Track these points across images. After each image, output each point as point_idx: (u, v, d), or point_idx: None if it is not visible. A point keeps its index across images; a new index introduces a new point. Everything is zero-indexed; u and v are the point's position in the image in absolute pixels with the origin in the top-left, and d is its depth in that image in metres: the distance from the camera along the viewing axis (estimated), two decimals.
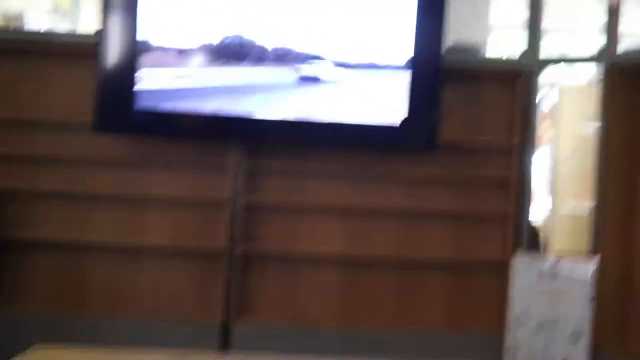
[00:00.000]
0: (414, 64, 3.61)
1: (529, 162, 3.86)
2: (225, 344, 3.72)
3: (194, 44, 3.59)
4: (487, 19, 4.27)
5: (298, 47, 3.60)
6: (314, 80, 3.61)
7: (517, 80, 3.81)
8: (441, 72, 3.62)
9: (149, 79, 3.60)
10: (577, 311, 3.41)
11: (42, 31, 4.01)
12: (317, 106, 3.63)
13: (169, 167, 3.82)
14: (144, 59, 3.59)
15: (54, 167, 3.81)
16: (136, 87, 3.60)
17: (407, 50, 3.60)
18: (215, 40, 3.58)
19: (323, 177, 3.84)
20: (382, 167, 3.83)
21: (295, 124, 3.64)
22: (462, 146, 3.82)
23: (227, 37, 3.59)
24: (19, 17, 4.06)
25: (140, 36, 3.58)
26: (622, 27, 3.66)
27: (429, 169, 3.82)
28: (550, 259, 3.60)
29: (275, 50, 3.58)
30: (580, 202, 4.15)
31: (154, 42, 3.60)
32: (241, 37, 3.60)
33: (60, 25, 5.26)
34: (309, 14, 3.61)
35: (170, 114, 3.63)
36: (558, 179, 4.59)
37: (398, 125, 3.64)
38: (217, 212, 3.79)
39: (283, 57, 3.58)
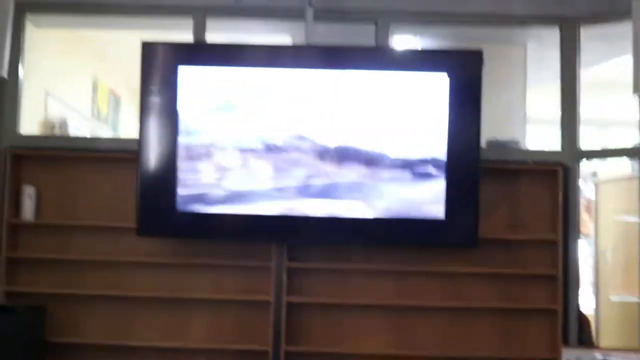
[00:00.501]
0: (451, 160, 3.75)
1: (573, 255, 3.95)
2: None
3: (237, 144, 3.78)
4: (524, 113, 4.44)
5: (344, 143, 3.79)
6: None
7: (556, 173, 3.94)
8: (479, 168, 3.77)
9: (191, 181, 3.78)
10: None
11: (84, 137, 4.28)
12: (359, 203, 3.77)
13: (211, 268, 3.96)
14: (186, 161, 3.78)
15: (97, 270, 3.99)
16: (178, 190, 3.77)
17: (443, 146, 3.75)
18: (254, 142, 3.77)
19: (366, 274, 3.96)
20: (425, 263, 3.92)
21: (338, 222, 3.77)
22: (504, 241, 3.93)
23: (263, 138, 3.78)
24: (62, 124, 4.31)
25: (181, 139, 3.77)
26: None
27: (472, 264, 3.91)
28: (599, 355, 3.66)
29: (320, 147, 3.77)
30: (627, 294, 4.23)
31: (194, 144, 3.79)
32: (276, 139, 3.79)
33: (101, 131, 5.47)
34: (347, 110, 3.81)
35: (212, 215, 3.79)
36: (602, 271, 4.67)
37: (438, 221, 3.76)
38: (261, 313, 3.90)
39: (323, 154, 3.77)
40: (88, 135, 4.99)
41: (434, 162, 3.75)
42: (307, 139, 3.75)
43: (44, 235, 4.02)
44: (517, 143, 4.12)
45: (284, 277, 3.89)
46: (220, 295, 3.95)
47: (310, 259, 3.96)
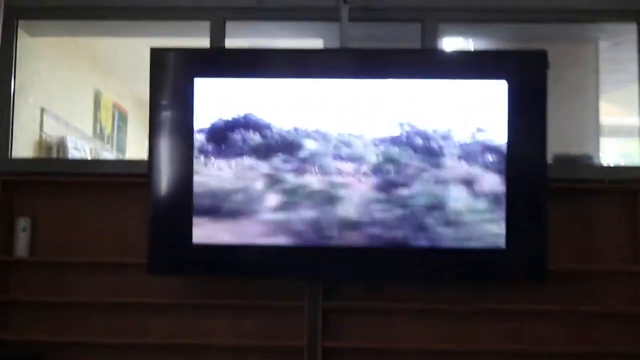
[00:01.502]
0: (512, 180, 3.67)
1: None
2: None
3: (263, 167, 3.71)
4: (597, 123, 4.37)
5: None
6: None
7: (636, 194, 3.87)
8: (545, 188, 3.68)
9: (209, 210, 3.71)
10: None
11: (86, 159, 4.25)
12: (405, 231, 3.69)
13: (233, 310, 3.91)
14: (204, 187, 3.71)
15: (101, 314, 3.94)
16: (195, 219, 3.71)
17: (502, 164, 3.68)
18: (283, 163, 3.70)
19: (414, 315, 3.89)
20: (484, 301, 3.85)
21: (382, 253, 3.70)
22: (577, 273, 3.86)
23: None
24: (60, 144, 4.27)
25: (197, 162, 3.71)
26: None
27: (539, 301, 3.84)
28: None
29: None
30: None
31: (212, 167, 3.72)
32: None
33: (105, 152, 5.44)
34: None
35: (234, 248, 3.72)
36: None
37: (498, 250, 3.68)
38: None
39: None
40: (90, 158, 4.97)
41: (492, 183, 3.68)
42: (345, 160, 3.68)
43: (39, 274, 3.98)
44: (589, 158, 4.07)
45: (319, 318, 3.84)
46: (244, 340, 3.90)
47: (350, 297, 3.90)
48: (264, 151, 3.70)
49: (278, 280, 3.89)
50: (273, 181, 3.69)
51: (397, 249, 3.70)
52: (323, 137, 3.69)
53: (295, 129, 3.71)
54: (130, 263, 3.89)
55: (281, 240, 3.69)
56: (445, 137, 3.69)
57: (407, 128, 3.70)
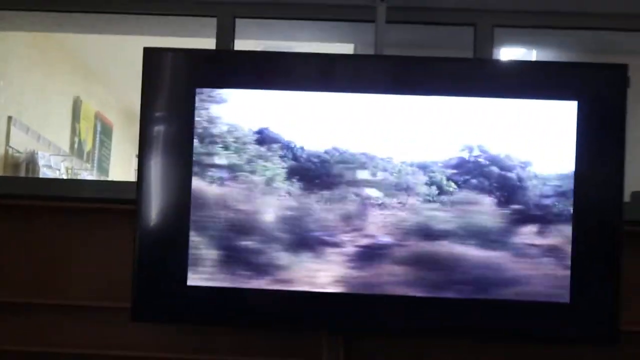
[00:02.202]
0: (580, 222, 3.52)
1: None
2: None
3: (276, 199, 3.57)
4: None
5: None
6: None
7: None
8: (621, 232, 3.52)
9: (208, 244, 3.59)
10: None
11: (61, 179, 4.14)
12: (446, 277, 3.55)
13: None
14: (203, 217, 3.58)
15: None
16: (191, 255, 3.57)
17: (569, 202, 3.53)
18: (299, 191, 3.56)
19: None
20: None
21: (416, 304, 3.54)
22: None
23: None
24: (30, 161, 4.16)
25: (197, 185, 3.57)
26: None
27: None
28: None
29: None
30: None
31: (215, 193, 3.59)
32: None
33: (84, 172, 5.42)
34: None
35: (237, 292, 3.58)
36: None
37: (561, 305, 3.52)
38: None
39: None
40: (65, 178, 4.83)
41: (557, 224, 3.52)
42: (379, 190, 3.55)
43: (2, 319, 3.86)
44: None
45: None
46: None
47: (377, 355, 3.80)
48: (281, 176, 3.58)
49: (289, 332, 3.84)
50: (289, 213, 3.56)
51: (436, 299, 3.56)
52: (350, 159, 3.58)
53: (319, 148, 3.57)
54: (111, 307, 3.81)
55: (293, 284, 3.57)
56: (499, 164, 3.57)
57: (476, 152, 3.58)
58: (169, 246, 3.60)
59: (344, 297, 3.58)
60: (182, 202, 3.58)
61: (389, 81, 3.66)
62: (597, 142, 3.54)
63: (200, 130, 3.59)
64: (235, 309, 3.64)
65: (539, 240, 3.52)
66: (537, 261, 3.52)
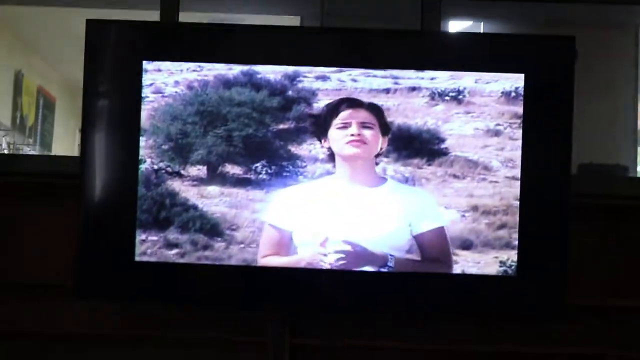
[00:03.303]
0: (527, 194, 3.52)
1: None
2: None
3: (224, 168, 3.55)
4: (634, 127, 4.28)
5: None
6: None
7: None
8: (568, 205, 3.52)
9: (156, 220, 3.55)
10: None
11: (2, 154, 4.06)
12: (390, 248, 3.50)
13: (182, 344, 3.78)
14: (150, 191, 3.55)
15: (17, 347, 3.78)
16: (138, 232, 3.53)
17: (516, 173, 3.53)
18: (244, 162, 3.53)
19: (401, 356, 3.77)
20: (489, 341, 3.74)
21: (361, 276, 3.51)
22: (603, 308, 3.76)
23: None
24: None
25: (145, 162, 3.55)
26: None
27: (557, 342, 3.75)
28: None
29: None
30: None
31: (164, 167, 3.56)
32: None
33: (26, 147, 5.34)
34: None
35: (184, 267, 3.55)
36: None
37: (507, 278, 3.52)
38: None
39: None
40: (7, 153, 4.73)
41: (503, 196, 3.51)
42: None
43: None
44: (624, 169, 3.99)
45: (286, 358, 3.72)
46: None
47: (322, 333, 3.77)
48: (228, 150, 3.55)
49: (235, 309, 3.77)
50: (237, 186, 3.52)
51: (378, 273, 3.51)
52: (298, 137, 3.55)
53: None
54: (54, 285, 3.73)
55: (239, 259, 3.54)
56: (446, 137, 3.55)
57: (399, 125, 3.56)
58: (114, 221, 3.56)
59: (288, 272, 3.54)
60: (128, 176, 3.54)
61: (336, 54, 3.63)
62: (544, 115, 3.55)
63: (148, 100, 3.55)
64: (182, 285, 3.60)
65: (486, 215, 3.50)
66: (484, 237, 3.51)
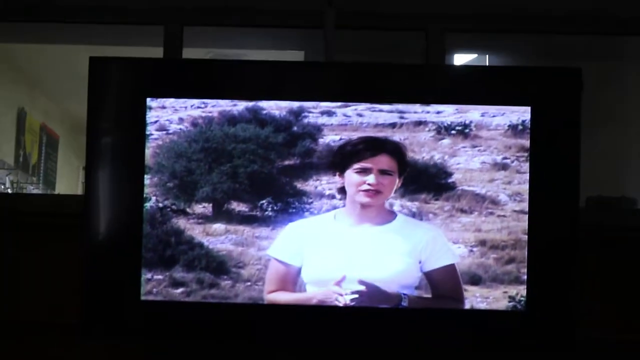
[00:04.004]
0: (535, 228, 3.45)
1: None
2: None
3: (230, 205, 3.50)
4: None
5: None
6: None
7: None
8: (576, 238, 3.45)
9: (162, 258, 3.50)
10: None
11: (4, 193, 4.05)
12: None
13: None
14: (156, 230, 3.50)
15: None
16: (144, 271, 3.49)
17: (523, 207, 3.47)
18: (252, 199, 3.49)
19: None
20: None
21: (374, 314, 3.46)
22: (616, 342, 3.74)
23: None
24: None
25: (150, 200, 3.51)
26: None
27: None
28: None
29: None
30: None
31: (168, 206, 3.51)
32: None
33: (30, 186, 5.32)
34: None
35: (192, 306, 3.49)
36: None
37: (516, 314, 3.46)
38: None
39: None
40: (10, 191, 4.71)
41: (511, 230, 3.46)
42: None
43: None
44: (633, 202, 3.96)
45: None
46: None
47: None
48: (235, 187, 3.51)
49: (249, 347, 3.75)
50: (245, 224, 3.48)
51: (390, 309, 3.47)
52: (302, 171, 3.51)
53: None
54: (62, 324, 3.70)
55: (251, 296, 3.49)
56: (451, 170, 3.50)
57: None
58: (119, 259, 3.50)
59: (300, 310, 3.49)
60: (133, 215, 3.49)
61: (340, 88, 3.59)
62: (551, 147, 3.50)
63: (152, 138, 3.51)
64: (186, 323, 3.53)
65: (494, 250, 3.45)
66: (493, 274, 3.47)
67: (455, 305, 3.43)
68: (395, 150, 3.38)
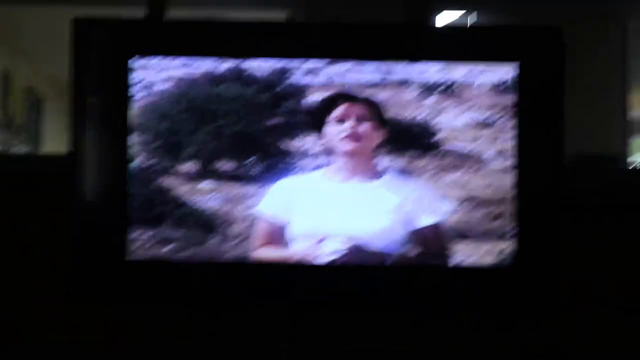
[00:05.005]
0: (522, 184, 3.44)
1: None
2: None
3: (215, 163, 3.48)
4: (625, 117, 4.23)
5: None
6: None
7: None
8: (559, 195, 3.44)
9: (148, 216, 3.48)
10: None
11: None
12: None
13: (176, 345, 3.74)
14: (141, 188, 3.47)
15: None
16: (129, 231, 3.46)
17: (509, 162, 3.46)
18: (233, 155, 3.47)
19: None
20: (485, 333, 3.75)
21: (359, 272, 3.43)
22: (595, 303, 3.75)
23: None
24: None
25: (135, 160, 3.47)
26: None
27: (552, 336, 3.73)
28: None
29: None
30: None
31: (154, 164, 3.48)
32: None
33: (15, 146, 5.28)
34: None
35: (182, 264, 3.45)
36: None
37: (501, 270, 3.44)
38: None
39: None
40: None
41: (497, 187, 3.45)
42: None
43: None
44: (616, 160, 3.99)
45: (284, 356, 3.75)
46: None
47: (319, 330, 3.78)
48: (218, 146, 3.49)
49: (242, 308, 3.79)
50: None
51: (377, 267, 3.44)
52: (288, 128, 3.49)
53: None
54: (39, 289, 3.73)
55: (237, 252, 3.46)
56: (438, 129, 3.47)
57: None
58: (104, 219, 3.47)
59: (285, 267, 3.46)
60: (118, 174, 3.47)
61: (323, 47, 3.54)
62: (536, 105, 3.48)
63: (136, 97, 3.48)
64: (173, 283, 3.51)
65: (481, 207, 3.43)
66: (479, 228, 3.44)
67: (441, 262, 3.43)
68: (369, 102, 3.38)
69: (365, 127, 3.36)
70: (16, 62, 5.28)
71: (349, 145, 3.36)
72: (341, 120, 3.37)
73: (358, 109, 3.38)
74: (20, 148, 5.23)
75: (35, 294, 3.71)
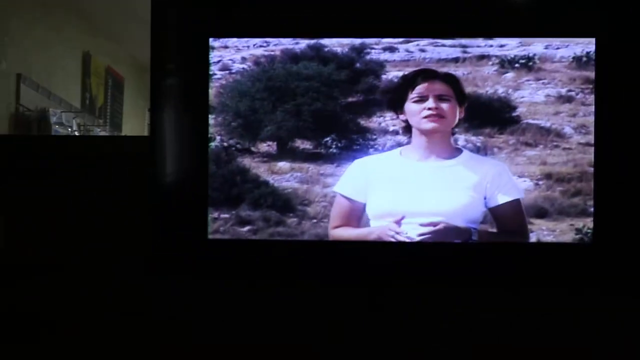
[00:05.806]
0: (602, 162, 3.39)
1: None
2: None
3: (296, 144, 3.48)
4: None
5: None
6: None
7: None
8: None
9: (228, 197, 3.49)
10: None
11: (73, 136, 4.00)
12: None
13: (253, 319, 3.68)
14: (222, 169, 3.49)
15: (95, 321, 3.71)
16: (210, 210, 3.48)
17: (589, 141, 3.40)
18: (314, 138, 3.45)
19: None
20: (564, 308, 3.60)
21: (442, 249, 3.43)
22: None
23: None
24: (42, 119, 4.02)
25: (214, 139, 3.50)
26: None
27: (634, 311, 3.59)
28: None
29: None
30: None
31: (235, 145, 3.50)
32: None
33: (97, 128, 5.29)
34: None
35: (261, 242, 3.48)
36: None
37: (583, 246, 3.42)
38: None
39: None
40: (77, 133, 4.69)
41: (577, 163, 3.41)
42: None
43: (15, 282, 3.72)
44: None
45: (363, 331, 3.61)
46: None
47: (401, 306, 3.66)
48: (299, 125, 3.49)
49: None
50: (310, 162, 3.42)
51: (460, 245, 3.44)
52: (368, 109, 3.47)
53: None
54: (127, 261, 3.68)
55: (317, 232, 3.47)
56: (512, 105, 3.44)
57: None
58: (186, 200, 3.51)
59: (366, 246, 3.47)
60: (198, 153, 3.50)
61: (402, 24, 3.50)
62: (616, 79, 3.41)
63: (216, 78, 3.50)
64: (253, 261, 3.54)
65: (561, 182, 3.41)
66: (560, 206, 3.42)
67: (520, 240, 3.39)
68: (449, 78, 3.36)
69: (446, 105, 3.33)
70: (97, 43, 5.30)
71: (430, 124, 3.33)
72: (422, 98, 3.35)
73: (439, 87, 3.35)
74: (101, 129, 5.26)
75: (122, 269, 3.69)
